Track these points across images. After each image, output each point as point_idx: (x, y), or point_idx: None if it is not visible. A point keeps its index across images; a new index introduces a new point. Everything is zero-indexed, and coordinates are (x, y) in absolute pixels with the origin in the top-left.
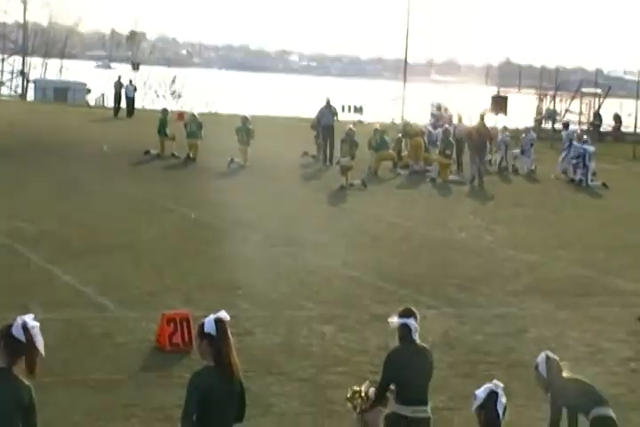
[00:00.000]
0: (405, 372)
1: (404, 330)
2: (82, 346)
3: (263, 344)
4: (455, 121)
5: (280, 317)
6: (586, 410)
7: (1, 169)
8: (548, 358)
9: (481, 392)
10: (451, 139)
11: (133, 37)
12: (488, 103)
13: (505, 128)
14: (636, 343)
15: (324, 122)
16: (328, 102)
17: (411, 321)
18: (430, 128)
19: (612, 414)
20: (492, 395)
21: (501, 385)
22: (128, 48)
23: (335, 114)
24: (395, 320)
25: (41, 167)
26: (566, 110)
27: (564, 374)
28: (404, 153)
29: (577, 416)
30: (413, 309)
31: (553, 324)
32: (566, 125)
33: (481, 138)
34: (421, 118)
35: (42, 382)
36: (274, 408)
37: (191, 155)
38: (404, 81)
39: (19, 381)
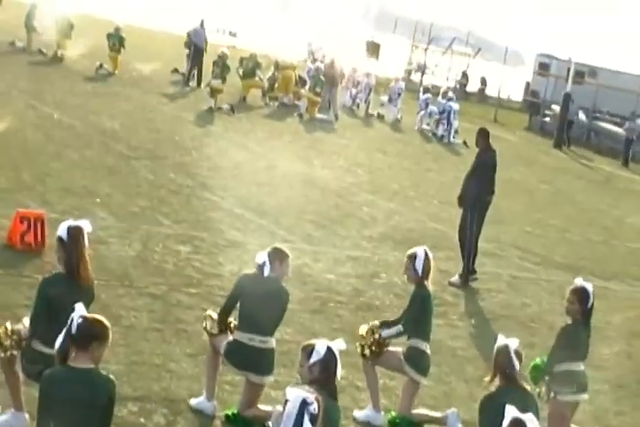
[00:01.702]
0: (249, 298)
1: (259, 267)
2: None
3: (117, 255)
4: (327, 60)
5: (136, 230)
6: None
7: None
8: None
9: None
10: (321, 77)
11: None
12: (362, 47)
13: (368, 73)
14: (480, 300)
15: (197, 42)
16: (202, 23)
17: (264, 260)
18: (309, 64)
19: None
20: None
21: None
22: None
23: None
24: (258, 257)
25: None
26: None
27: None
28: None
29: None
30: (282, 249)
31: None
32: (426, 90)
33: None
34: (296, 54)
35: None
36: (122, 320)
37: (59, 53)
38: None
39: None
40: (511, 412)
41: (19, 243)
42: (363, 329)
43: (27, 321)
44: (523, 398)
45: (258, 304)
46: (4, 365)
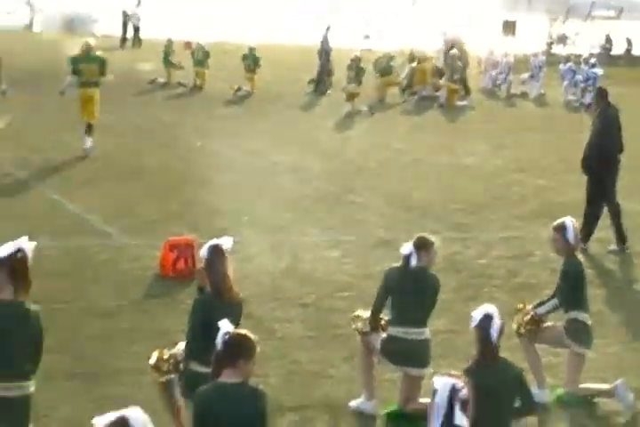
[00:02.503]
0: (399, 291)
1: (404, 257)
2: (86, 274)
3: (267, 269)
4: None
5: (285, 242)
6: None
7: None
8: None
9: (477, 314)
10: (458, 63)
11: None
12: (499, 27)
13: (506, 53)
14: None
15: (326, 48)
16: (328, 28)
17: (410, 250)
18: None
19: None
20: (487, 318)
21: (495, 309)
22: None
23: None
24: (402, 248)
25: (48, 95)
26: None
27: None
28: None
29: None
30: (427, 237)
31: None
32: (567, 60)
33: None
34: (432, 45)
35: (46, 309)
36: (276, 333)
37: (198, 83)
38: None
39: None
40: None
41: (171, 271)
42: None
43: (182, 345)
44: None
45: (408, 296)
46: (162, 390)
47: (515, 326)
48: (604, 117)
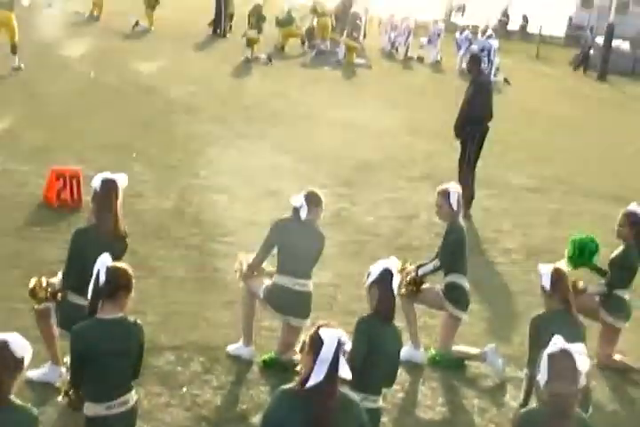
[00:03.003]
0: (287, 240)
1: (294, 209)
2: None
3: (154, 208)
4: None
5: (173, 183)
6: None
7: None
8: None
9: (376, 269)
10: (358, 22)
11: None
12: None
13: (406, 17)
14: (520, 236)
15: None
16: None
17: (302, 203)
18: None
19: None
20: (387, 272)
21: (397, 263)
22: None
23: None
24: (293, 199)
25: None
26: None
27: None
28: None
29: None
30: (318, 192)
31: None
32: (461, 31)
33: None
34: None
35: None
36: (158, 271)
37: (95, 13)
38: None
39: None
40: (558, 342)
41: (55, 200)
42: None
43: (61, 275)
44: (574, 325)
45: (296, 248)
46: (38, 318)
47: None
48: (476, 85)
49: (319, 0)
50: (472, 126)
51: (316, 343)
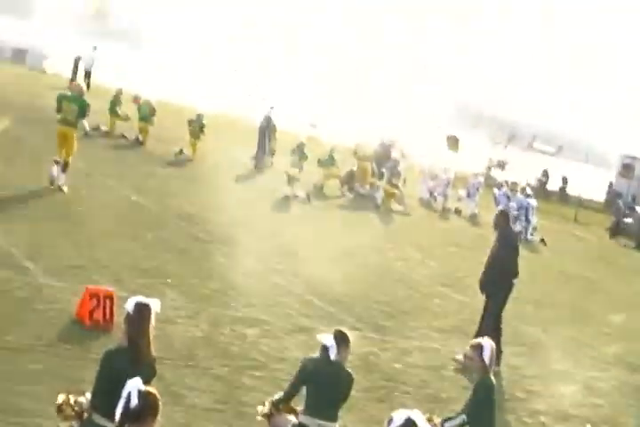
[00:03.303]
0: (316, 381)
1: (324, 348)
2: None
3: (184, 336)
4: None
5: (205, 312)
6: None
7: None
8: None
9: (398, 417)
10: (399, 168)
11: None
12: (443, 141)
13: (447, 168)
14: (550, 398)
15: (269, 126)
16: (272, 107)
17: (332, 343)
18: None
19: None
20: (410, 422)
21: (421, 415)
22: None
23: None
24: (323, 338)
25: None
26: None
27: None
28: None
29: None
30: (347, 333)
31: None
32: (499, 186)
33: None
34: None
35: None
36: (185, 400)
37: (140, 138)
38: None
39: None
40: None
41: (87, 319)
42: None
43: (89, 395)
44: None
45: (324, 388)
46: None
47: None
48: (502, 239)
49: (361, 144)
50: (498, 281)
51: None
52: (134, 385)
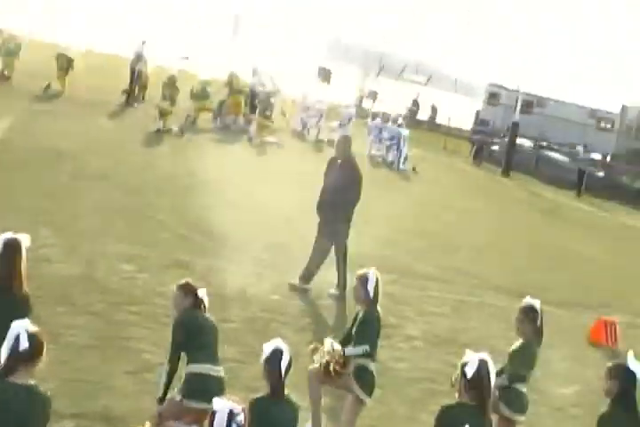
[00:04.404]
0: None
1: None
2: None
3: (59, 274)
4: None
5: (80, 249)
6: None
7: None
8: None
9: (267, 347)
10: (271, 100)
11: None
12: (315, 73)
13: (320, 100)
14: (424, 324)
15: (140, 61)
16: (143, 42)
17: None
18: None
19: None
20: (277, 352)
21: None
22: None
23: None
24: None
25: None
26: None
27: None
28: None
29: None
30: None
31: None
32: (375, 116)
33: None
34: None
35: None
36: (61, 338)
37: (6, 73)
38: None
39: None
40: None
41: None
42: (327, 344)
43: None
44: (479, 416)
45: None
46: None
47: (323, 361)
48: (346, 165)
49: (234, 74)
50: (346, 205)
51: (211, 414)
52: (22, 326)
